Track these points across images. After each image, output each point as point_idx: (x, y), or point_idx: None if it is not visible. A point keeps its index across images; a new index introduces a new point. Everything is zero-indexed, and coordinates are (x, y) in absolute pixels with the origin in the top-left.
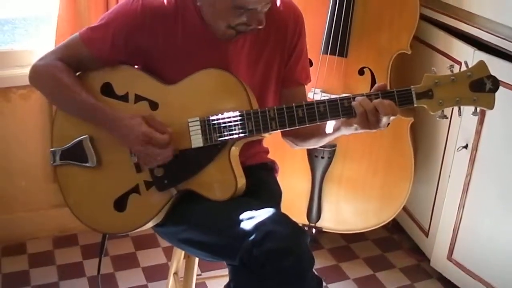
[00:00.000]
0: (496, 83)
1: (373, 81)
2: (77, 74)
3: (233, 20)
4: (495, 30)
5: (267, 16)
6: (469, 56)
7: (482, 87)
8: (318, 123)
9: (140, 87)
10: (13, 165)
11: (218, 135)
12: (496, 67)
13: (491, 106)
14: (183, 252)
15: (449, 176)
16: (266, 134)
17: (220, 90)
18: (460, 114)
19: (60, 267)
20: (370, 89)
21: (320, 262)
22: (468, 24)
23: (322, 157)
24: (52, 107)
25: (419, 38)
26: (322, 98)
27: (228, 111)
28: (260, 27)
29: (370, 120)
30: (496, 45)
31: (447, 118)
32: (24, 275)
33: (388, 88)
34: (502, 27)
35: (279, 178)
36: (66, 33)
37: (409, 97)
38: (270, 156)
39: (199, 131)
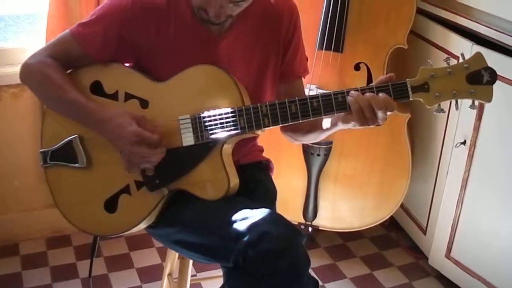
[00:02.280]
0: (493, 75)
1: (369, 76)
2: (67, 72)
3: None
4: (493, 23)
5: (260, 8)
6: (467, 50)
7: (479, 79)
8: (311, 118)
9: (130, 85)
10: (4, 164)
11: (209, 132)
12: (495, 61)
13: (489, 98)
14: (177, 253)
15: (447, 172)
16: (259, 131)
17: (211, 86)
18: (457, 108)
19: (53, 268)
20: (366, 84)
21: (317, 261)
22: (465, 18)
23: (318, 155)
24: (44, 106)
25: (416, 32)
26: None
27: (219, 107)
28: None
29: (367, 117)
30: (494, 39)
31: (444, 112)
32: (17, 277)
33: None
34: (500, 20)
35: (274, 176)
36: (57, 30)
37: (405, 90)
38: (265, 153)
39: (190, 129)
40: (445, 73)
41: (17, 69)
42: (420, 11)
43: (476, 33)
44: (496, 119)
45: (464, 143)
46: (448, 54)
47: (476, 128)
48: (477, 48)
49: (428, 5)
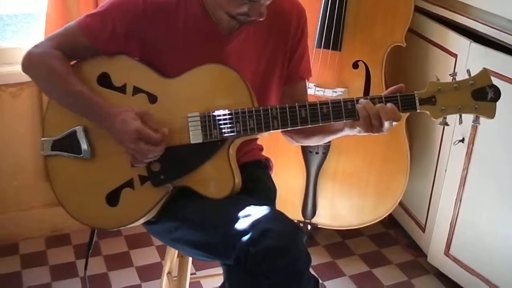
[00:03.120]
0: (497, 93)
1: (368, 75)
2: (73, 63)
3: (234, 10)
4: (491, 21)
5: (270, 10)
6: (465, 48)
7: (484, 96)
8: (320, 124)
9: (139, 79)
10: (4, 164)
11: (218, 131)
12: (493, 59)
13: (492, 115)
14: (176, 251)
15: (446, 170)
16: (266, 133)
17: (221, 86)
18: (461, 122)
19: (53, 267)
20: (365, 83)
21: (316, 259)
22: (463, 16)
23: (317, 153)
24: (42, 105)
25: (414, 30)
26: (317, 92)
27: (229, 107)
28: (260, 19)
29: (373, 124)
30: (492, 36)
31: (448, 125)
32: (16, 276)
33: (384, 85)
34: (498, 18)
35: (274, 174)
36: (55, 30)
37: (412, 102)
38: (264, 152)
39: (199, 127)
40: (451, 88)
41: (15, 68)
42: (418, 9)
43: (474, 31)
44: (495, 117)
45: (462, 140)
46: (446, 52)
47: (475, 126)
48: (475, 46)
49: (426, 3)
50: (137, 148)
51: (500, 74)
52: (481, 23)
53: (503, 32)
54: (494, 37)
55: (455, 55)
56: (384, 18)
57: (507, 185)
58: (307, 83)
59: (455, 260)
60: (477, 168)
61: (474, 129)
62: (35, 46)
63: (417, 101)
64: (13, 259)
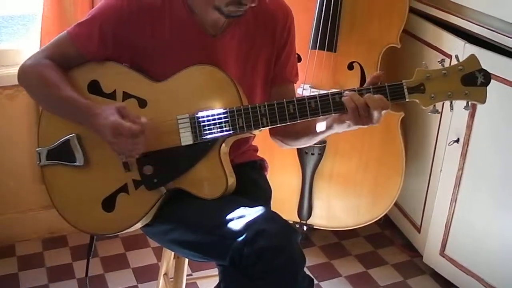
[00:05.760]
0: (487, 77)
1: (363, 76)
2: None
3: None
4: (485, 22)
5: (256, 11)
6: (459, 49)
7: (473, 81)
8: (309, 119)
9: (128, 84)
10: (0, 166)
11: (208, 132)
12: (487, 60)
13: (483, 100)
14: (173, 252)
15: (441, 170)
16: (256, 131)
17: (209, 86)
18: (451, 108)
19: (50, 269)
20: (360, 84)
21: (312, 259)
22: (458, 17)
23: (312, 154)
24: (39, 107)
25: (409, 31)
26: (312, 93)
27: (218, 107)
28: (252, 5)
29: (361, 116)
30: (486, 37)
31: (439, 112)
32: (13, 278)
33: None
34: (493, 19)
35: (269, 175)
36: (52, 31)
37: (401, 91)
38: (259, 153)
39: (189, 128)
40: (440, 74)
41: (11, 70)
42: (412, 10)
43: (469, 32)
44: (489, 117)
45: (457, 141)
46: (441, 53)
47: (469, 126)
48: (470, 47)
49: (421, 4)
50: (118, 142)
51: (495, 75)
52: (475, 24)
53: (498, 33)
54: (488, 38)
55: (449, 56)
56: (379, 19)
57: (502, 186)
58: (303, 85)
59: (450, 260)
60: (472, 169)
61: (469, 129)
62: (28, 58)
63: (405, 90)
64: (10, 260)
